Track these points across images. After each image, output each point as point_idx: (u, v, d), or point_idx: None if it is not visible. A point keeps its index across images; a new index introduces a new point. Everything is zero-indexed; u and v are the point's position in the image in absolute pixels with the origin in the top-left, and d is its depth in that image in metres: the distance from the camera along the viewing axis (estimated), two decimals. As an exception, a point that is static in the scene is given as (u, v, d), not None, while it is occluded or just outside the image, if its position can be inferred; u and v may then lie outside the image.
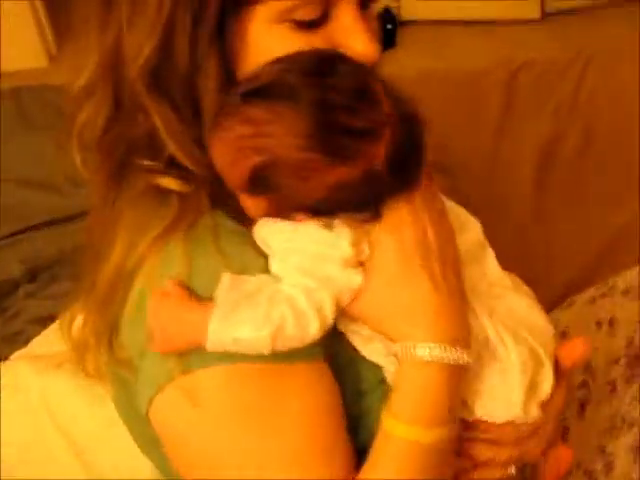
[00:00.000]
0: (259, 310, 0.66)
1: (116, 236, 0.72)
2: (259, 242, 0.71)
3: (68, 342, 0.81)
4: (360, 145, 0.66)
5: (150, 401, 0.69)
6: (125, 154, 0.74)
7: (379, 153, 0.67)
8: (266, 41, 0.68)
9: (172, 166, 0.72)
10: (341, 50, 0.70)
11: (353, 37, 0.70)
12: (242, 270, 0.68)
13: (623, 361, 1.27)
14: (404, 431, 0.68)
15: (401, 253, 0.70)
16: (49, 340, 1.36)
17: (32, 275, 1.59)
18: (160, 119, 0.70)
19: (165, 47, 0.68)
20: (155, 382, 0.69)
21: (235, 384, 0.68)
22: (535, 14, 2.26)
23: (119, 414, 0.82)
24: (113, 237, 0.72)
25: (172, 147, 0.70)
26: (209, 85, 0.69)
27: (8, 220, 1.65)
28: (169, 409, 0.69)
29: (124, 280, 0.70)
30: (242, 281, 0.68)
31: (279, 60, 0.67)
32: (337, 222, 0.70)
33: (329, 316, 0.67)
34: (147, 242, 0.69)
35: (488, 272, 0.80)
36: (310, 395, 0.69)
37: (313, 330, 0.66)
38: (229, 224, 0.72)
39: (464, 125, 1.94)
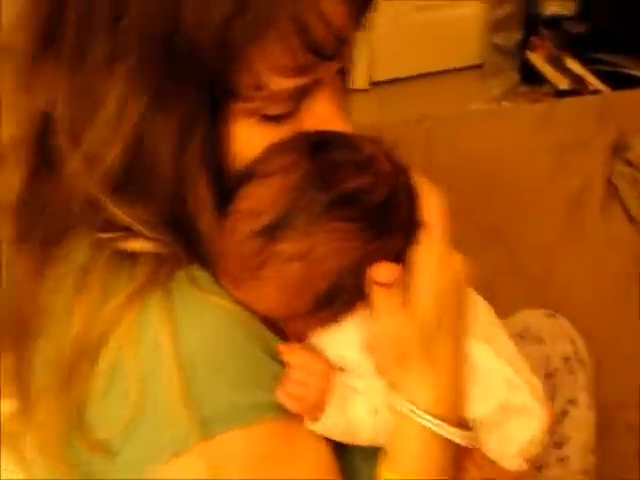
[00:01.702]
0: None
1: (71, 307, 0.64)
2: (335, 358, 0.69)
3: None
4: (394, 215, 0.67)
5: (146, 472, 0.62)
6: (56, 220, 0.68)
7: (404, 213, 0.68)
8: (240, 135, 0.65)
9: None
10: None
11: (329, 125, 0.68)
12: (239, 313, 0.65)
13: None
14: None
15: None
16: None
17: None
18: (128, 218, 0.65)
19: (136, 154, 0.63)
20: (160, 453, 0.62)
21: (254, 445, 0.63)
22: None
23: None
24: (61, 309, 0.65)
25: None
26: (201, 205, 0.65)
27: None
28: (187, 476, 0.62)
29: (88, 353, 0.63)
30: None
31: (267, 175, 0.65)
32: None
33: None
34: (117, 305, 0.63)
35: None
36: (318, 451, 0.68)
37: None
38: (207, 276, 0.66)
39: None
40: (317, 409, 0.67)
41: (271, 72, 0.61)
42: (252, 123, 0.65)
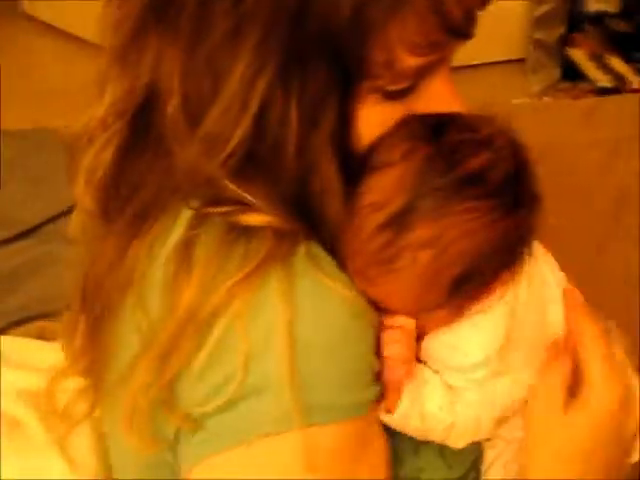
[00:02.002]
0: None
1: (175, 280, 0.62)
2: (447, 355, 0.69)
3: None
4: (518, 190, 0.66)
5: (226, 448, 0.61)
6: (150, 198, 0.66)
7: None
8: (363, 114, 0.63)
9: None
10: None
11: (444, 103, 0.66)
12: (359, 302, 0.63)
13: None
14: None
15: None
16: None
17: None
18: (247, 195, 0.62)
19: (261, 134, 0.61)
20: (252, 430, 0.60)
21: (343, 442, 0.62)
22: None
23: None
24: (158, 281, 0.63)
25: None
26: (328, 187, 0.63)
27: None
28: (270, 459, 0.61)
29: (196, 326, 0.61)
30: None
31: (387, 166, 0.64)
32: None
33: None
34: (234, 281, 0.60)
35: None
36: (386, 452, 0.68)
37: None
38: (327, 256, 0.64)
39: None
40: (396, 393, 0.67)
41: (402, 49, 0.59)
42: (374, 101, 0.63)
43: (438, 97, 0.65)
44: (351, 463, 0.63)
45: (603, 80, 2.67)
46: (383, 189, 0.64)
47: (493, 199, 0.64)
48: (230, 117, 0.60)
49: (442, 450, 0.72)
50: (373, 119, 0.63)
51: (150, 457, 0.67)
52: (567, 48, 2.78)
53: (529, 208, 0.67)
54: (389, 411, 0.67)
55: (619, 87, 2.58)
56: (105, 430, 0.79)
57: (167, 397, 0.62)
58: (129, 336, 0.66)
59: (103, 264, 0.68)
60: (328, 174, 0.63)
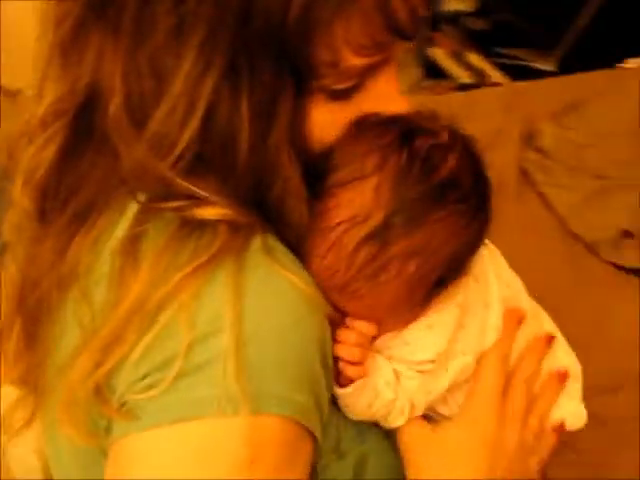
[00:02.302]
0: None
1: (122, 274, 0.61)
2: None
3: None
4: (484, 187, 0.70)
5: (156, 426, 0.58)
6: (91, 197, 0.65)
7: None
8: (311, 113, 0.63)
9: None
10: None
11: (390, 103, 0.67)
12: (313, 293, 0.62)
13: None
14: None
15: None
16: None
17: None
18: (201, 191, 0.61)
19: (212, 134, 0.60)
20: (202, 407, 0.58)
21: (283, 437, 0.61)
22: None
23: None
24: (103, 276, 0.62)
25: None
26: (289, 187, 0.62)
27: None
28: (208, 442, 0.58)
29: (141, 318, 0.59)
30: None
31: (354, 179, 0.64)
32: None
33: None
34: (183, 274, 0.59)
35: None
36: (310, 457, 0.66)
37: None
38: (284, 249, 0.64)
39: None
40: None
41: (348, 49, 0.59)
42: (322, 101, 0.62)
43: (384, 96, 0.66)
44: (287, 464, 0.62)
45: (464, 76, 2.75)
46: (361, 203, 0.64)
47: (469, 200, 0.67)
48: (177, 118, 0.59)
49: (388, 433, 0.74)
50: (322, 119, 0.63)
51: (87, 452, 0.65)
52: (428, 47, 2.84)
53: (489, 203, 0.70)
54: (343, 385, 0.68)
55: (480, 82, 2.66)
56: (43, 427, 0.76)
57: (102, 388, 0.60)
58: (70, 331, 0.65)
59: (41, 264, 0.67)
60: (289, 175, 0.62)
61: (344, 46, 0.59)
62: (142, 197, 0.63)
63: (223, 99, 0.58)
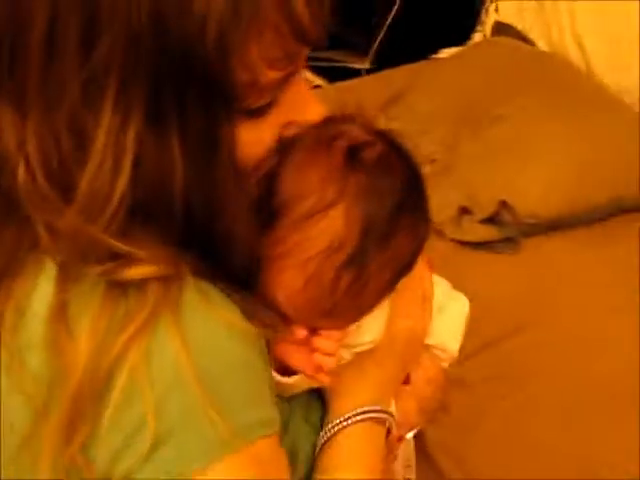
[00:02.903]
0: None
1: (53, 343, 0.58)
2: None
3: None
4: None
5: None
6: (11, 255, 0.61)
7: None
8: (238, 137, 0.62)
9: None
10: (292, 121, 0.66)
11: (306, 110, 0.68)
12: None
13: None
14: None
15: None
16: None
17: None
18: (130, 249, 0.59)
19: (145, 183, 0.58)
20: (191, 463, 0.58)
21: (260, 460, 0.62)
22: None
23: None
24: (31, 346, 0.59)
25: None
26: (239, 218, 0.62)
27: None
28: None
29: (95, 389, 0.57)
30: None
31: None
32: None
33: None
34: (127, 336, 0.57)
35: None
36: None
37: None
38: (213, 289, 0.62)
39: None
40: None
41: (263, 65, 0.59)
42: (243, 122, 0.62)
43: (299, 105, 0.67)
44: (283, 469, 0.65)
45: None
46: (334, 232, 0.64)
47: (422, 199, 0.71)
48: (105, 176, 0.57)
49: (306, 416, 0.76)
50: (246, 139, 0.63)
51: None
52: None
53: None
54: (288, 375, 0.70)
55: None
56: None
57: (82, 461, 0.58)
58: (10, 397, 0.60)
59: None
60: (239, 204, 0.62)
61: (259, 62, 0.59)
62: (58, 257, 0.60)
63: (150, 145, 0.57)
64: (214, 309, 0.61)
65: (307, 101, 0.68)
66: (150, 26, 0.55)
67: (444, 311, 0.83)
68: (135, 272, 0.59)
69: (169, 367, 0.58)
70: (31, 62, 0.56)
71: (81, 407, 0.57)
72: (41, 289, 0.60)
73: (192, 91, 0.57)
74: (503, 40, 2.32)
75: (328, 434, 0.74)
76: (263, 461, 0.61)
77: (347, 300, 0.66)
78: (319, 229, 0.65)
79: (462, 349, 1.10)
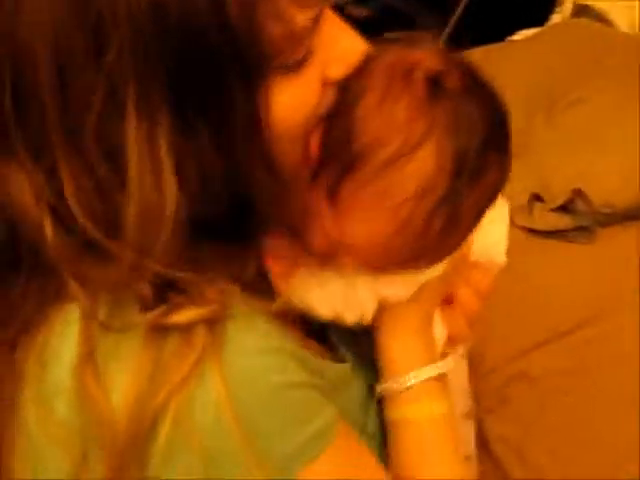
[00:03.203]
0: None
1: (88, 391, 0.56)
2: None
3: None
4: None
5: None
6: (35, 310, 0.60)
7: None
8: (279, 100, 0.58)
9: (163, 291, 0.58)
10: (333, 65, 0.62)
11: (345, 42, 0.63)
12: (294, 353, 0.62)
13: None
14: None
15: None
16: None
17: None
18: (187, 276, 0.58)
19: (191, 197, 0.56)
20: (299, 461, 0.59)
21: (334, 470, 0.63)
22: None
23: None
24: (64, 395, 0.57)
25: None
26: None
27: None
28: None
29: (141, 438, 0.56)
30: None
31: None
32: None
33: None
34: (175, 382, 0.56)
35: None
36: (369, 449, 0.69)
37: None
38: (251, 313, 0.61)
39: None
40: None
41: (292, 7, 0.56)
42: (278, 82, 0.58)
43: (338, 40, 0.62)
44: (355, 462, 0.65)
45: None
46: (424, 173, 0.61)
47: (509, 135, 0.68)
48: (149, 193, 0.54)
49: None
50: (290, 100, 0.59)
51: None
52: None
53: None
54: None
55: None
56: None
57: None
58: (47, 450, 0.59)
59: None
60: (287, 183, 0.61)
61: (289, 6, 0.56)
62: (88, 306, 0.58)
63: (183, 149, 0.54)
64: (251, 339, 0.59)
65: (347, 34, 0.64)
66: (151, 12, 0.51)
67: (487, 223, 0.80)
68: (183, 317, 0.57)
69: (211, 412, 0.57)
70: (45, 98, 0.53)
71: (126, 458, 0.56)
72: (66, 339, 0.58)
73: (217, 72, 0.54)
74: (582, 22, 2.23)
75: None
76: (334, 469, 0.61)
77: (437, 242, 0.64)
78: (407, 173, 0.62)
79: (528, 339, 1.08)
